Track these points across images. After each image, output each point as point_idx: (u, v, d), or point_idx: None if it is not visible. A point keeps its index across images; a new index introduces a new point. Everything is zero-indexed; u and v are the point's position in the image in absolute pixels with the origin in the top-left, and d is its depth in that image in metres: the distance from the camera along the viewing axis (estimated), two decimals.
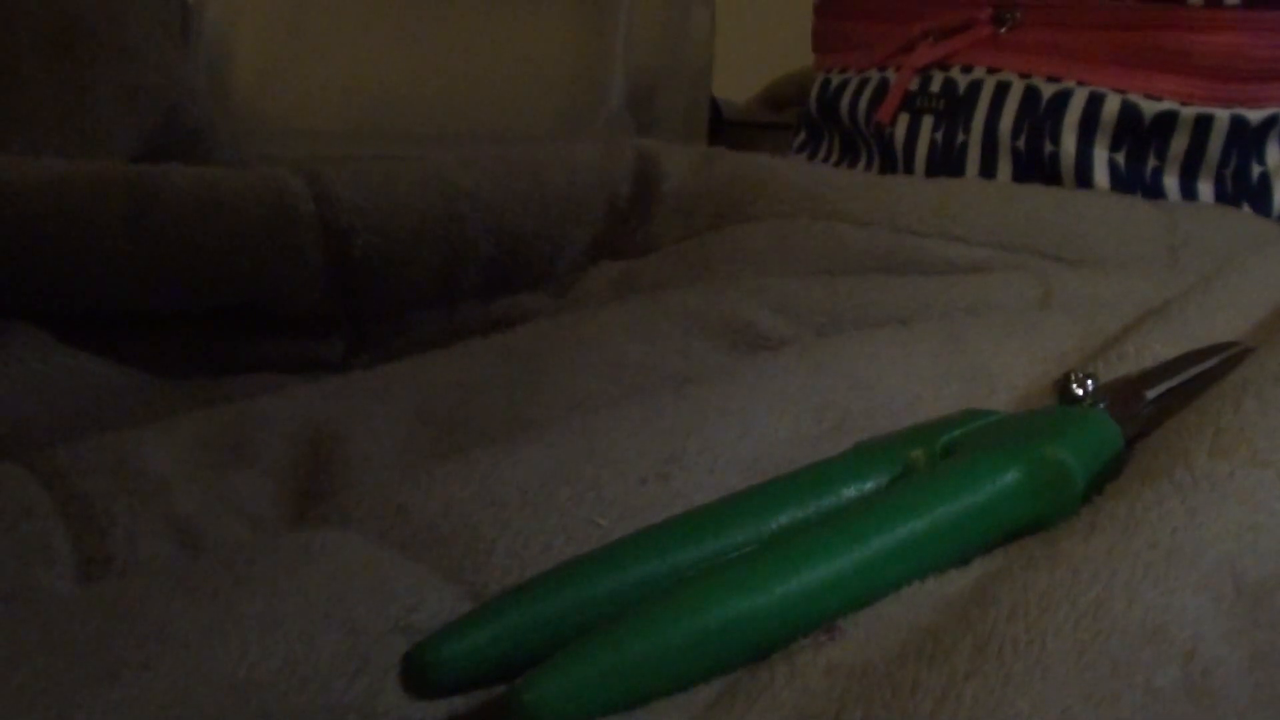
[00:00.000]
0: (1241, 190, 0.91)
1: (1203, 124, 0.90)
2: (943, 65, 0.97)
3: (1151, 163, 0.91)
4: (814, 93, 1.09)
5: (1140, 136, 0.91)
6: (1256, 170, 0.92)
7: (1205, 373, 0.56)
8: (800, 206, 0.80)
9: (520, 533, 0.45)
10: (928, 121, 0.97)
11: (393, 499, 0.46)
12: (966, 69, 0.96)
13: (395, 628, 0.41)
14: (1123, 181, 0.91)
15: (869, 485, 0.49)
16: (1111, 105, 0.90)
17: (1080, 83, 0.92)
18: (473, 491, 0.46)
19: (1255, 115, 0.91)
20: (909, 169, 0.98)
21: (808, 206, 0.80)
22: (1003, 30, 0.95)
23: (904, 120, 0.99)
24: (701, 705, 0.40)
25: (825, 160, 1.08)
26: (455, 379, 0.58)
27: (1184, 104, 0.90)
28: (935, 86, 0.97)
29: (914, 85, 0.98)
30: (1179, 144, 0.91)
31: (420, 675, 0.41)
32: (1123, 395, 0.54)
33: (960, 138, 0.95)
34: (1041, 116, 0.92)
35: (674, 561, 0.44)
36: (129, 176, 0.71)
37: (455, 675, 0.41)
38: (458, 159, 0.78)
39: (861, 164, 1.04)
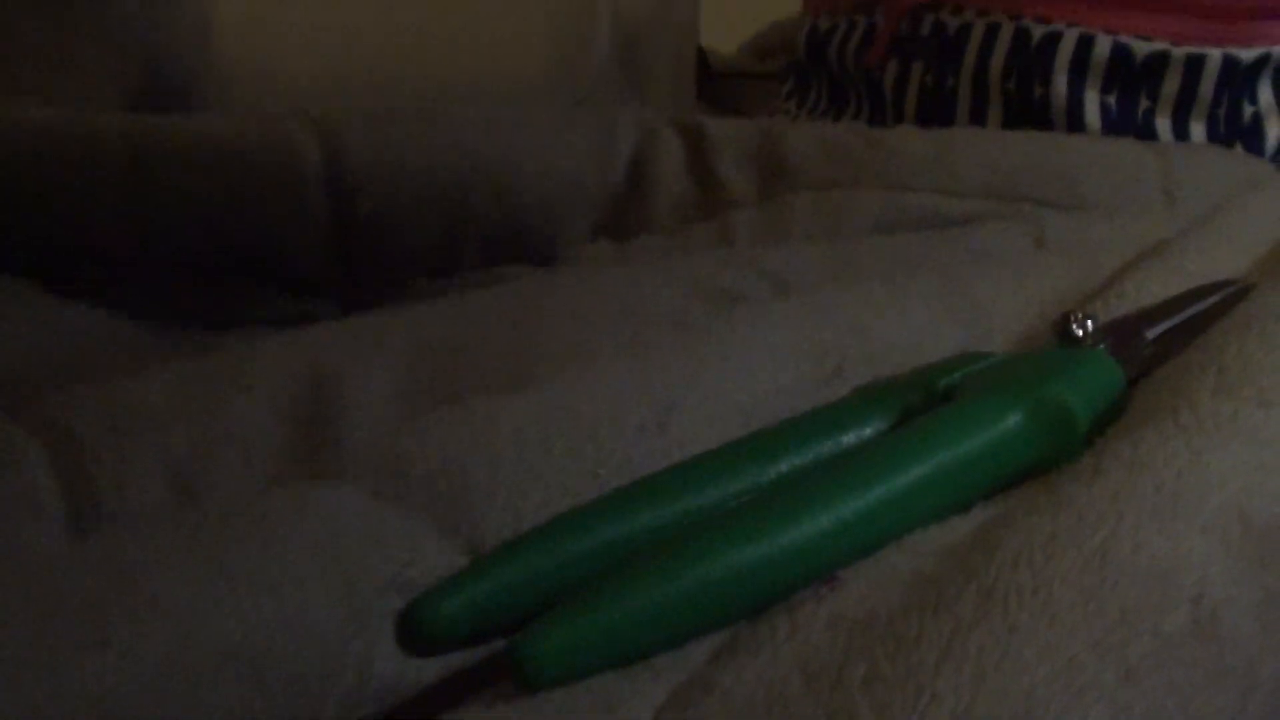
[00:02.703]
0: (1234, 130, 0.91)
1: (1194, 64, 0.90)
2: (932, 7, 0.97)
3: (1143, 104, 0.91)
4: (802, 38, 1.08)
5: (1132, 77, 0.90)
6: (1249, 110, 0.91)
7: (1206, 311, 0.56)
8: (796, 182, 0.80)
9: (517, 485, 0.45)
10: (917, 66, 0.97)
11: (388, 452, 0.46)
12: (956, 11, 0.95)
13: (391, 584, 0.41)
14: (1114, 123, 0.90)
15: (869, 431, 0.49)
16: (1102, 46, 0.90)
17: (1071, 23, 0.91)
18: (469, 444, 0.46)
19: (1247, 54, 0.90)
20: (899, 114, 0.98)
21: (798, 181, 0.80)
22: None
23: (893, 65, 0.98)
24: (702, 658, 0.40)
25: (814, 108, 1.07)
26: (454, 324, 0.58)
27: (1175, 44, 0.89)
28: (925, 29, 0.96)
29: (903, 29, 0.98)
30: (1171, 84, 0.90)
31: (417, 632, 0.41)
32: (1123, 335, 0.54)
33: (950, 81, 0.94)
34: (1032, 58, 0.91)
35: (673, 512, 0.44)
36: (130, 126, 0.70)
37: (453, 631, 0.41)
38: (471, 121, 0.77)
39: (850, 111, 1.03)
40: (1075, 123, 0.91)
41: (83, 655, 0.37)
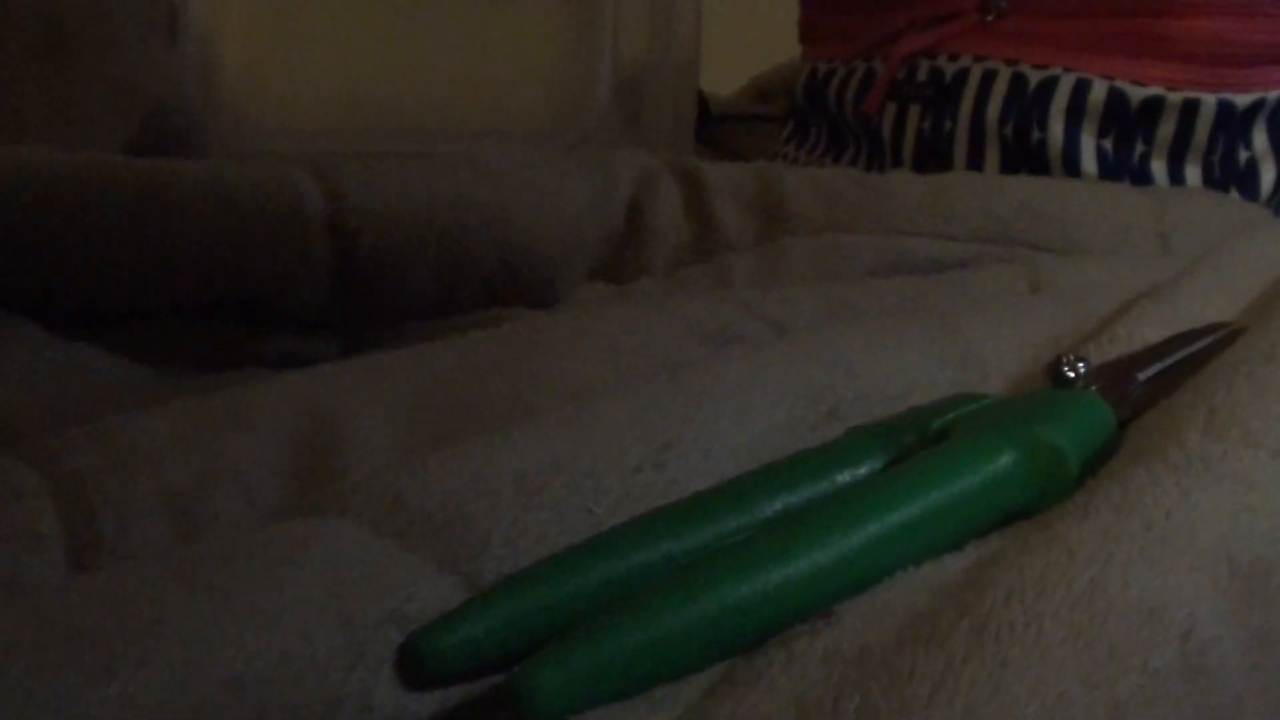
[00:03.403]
0: (1229, 174, 0.92)
1: (1189, 109, 0.90)
2: (929, 54, 0.97)
3: (1139, 148, 0.91)
4: (801, 83, 1.09)
5: (1127, 122, 0.91)
6: (1244, 154, 0.92)
7: (1197, 354, 0.57)
8: (792, 226, 0.81)
9: (515, 522, 0.45)
10: (915, 110, 0.97)
11: (388, 488, 0.46)
12: (953, 57, 0.96)
13: (391, 618, 0.41)
14: (1110, 167, 0.91)
15: (863, 471, 0.49)
16: (1098, 91, 0.90)
17: (1067, 69, 0.92)
18: (468, 480, 0.46)
19: (1242, 99, 0.91)
20: (896, 158, 0.98)
21: (795, 225, 0.81)
22: (989, 18, 0.95)
23: (891, 109, 0.99)
24: (698, 692, 0.40)
25: (813, 151, 1.08)
26: (453, 364, 0.58)
27: (1170, 89, 0.90)
28: (922, 75, 0.97)
29: (901, 74, 0.98)
30: (1166, 129, 0.91)
31: (416, 666, 0.41)
32: (1115, 377, 0.54)
33: (947, 126, 0.95)
34: (1028, 104, 0.92)
35: (669, 549, 0.44)
36: (135, 171, 0.71)
37: (451, 666, 0.41)
38: (471, 166, 0.78)
39: (849, 154, 1.04)
40: (1071, 167, 0.91)
41: (88, 685, 0.37)
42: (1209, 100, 0.90)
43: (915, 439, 0.50)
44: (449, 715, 0.42)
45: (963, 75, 0.95)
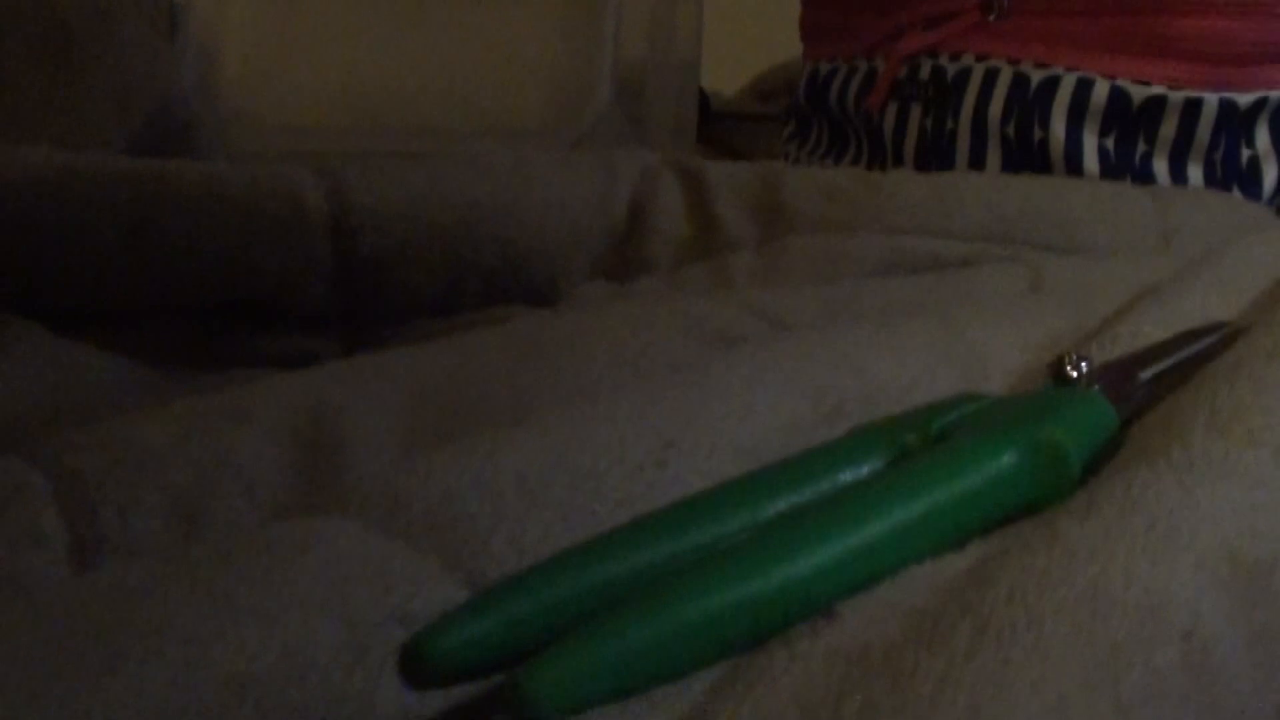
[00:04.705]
0: (1231, 174, 0.92)
1: (1191, 108, 0.90)
2: (931, 53, 0.97)
3: (1141, 148, 0.91)
4: (803, 82, 1.09)
5: (1129, 121, 0.91)
6: (1245, 153, 0.92)
7: (1199, 353, 0.56)
8: (794, 225, 0.81)
9: (518, 521, 0.45)
10: (917, 109, 0.97)
11: (390, 486, 0.46)
12: (955, 56, 0.96)
13: (393, 617, 0.41)
14: (1112, 167, 0.91)
15: (865, 470, 0.49)
16: (1100, 91, 0.91)
17: (1069, 69, 0.92)
18: (470, 479, 0.46)
19: (1244, 99, 0.91)
20: (898, 157, 0.98)
21: (797, 224, 0.81)
22: (991, 17, 0.95)
23: (893, 108, 0.99)
24: (701, 691, 0.40)
25: (815, 150, 1.08)
26: (455, 363, 0.58)
27: (1172, 88, 0.90)
28: (924, 74, 0.97)
29: (903, 73, 0.98)
30: (1168, 128, 0.91)
31: (418, 665, 0.41)
32: (1117, 376, 0.54)
33: (949, 125, 0.95)
34: (1030, 103, 0.92)
35: (672, 549, 0.44)
36: (135, 171, 0.71)
37: (454, 665, 0.41)
38: (472, 165, 0.78)
39: (850, 153, 1.04)
40: (1073, 166, 0.91)
41: (90, 684, 0.37)
42: (1211, 99, 0.90)
43: (918, 438, 0.50)
44: (451, 715, 0.42)
45: (965, 74, 0.95)
